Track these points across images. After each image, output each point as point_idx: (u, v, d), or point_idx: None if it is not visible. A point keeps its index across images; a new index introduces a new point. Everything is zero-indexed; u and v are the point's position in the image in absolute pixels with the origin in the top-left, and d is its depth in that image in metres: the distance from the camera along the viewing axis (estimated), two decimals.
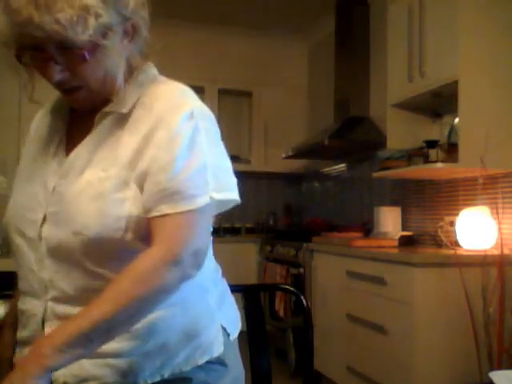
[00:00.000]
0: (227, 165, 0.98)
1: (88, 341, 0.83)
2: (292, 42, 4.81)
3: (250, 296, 1.41)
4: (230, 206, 1.00)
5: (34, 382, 0.79)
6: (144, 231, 0.92)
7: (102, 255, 0.90)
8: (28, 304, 0.97)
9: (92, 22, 0.85)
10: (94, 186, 0.91)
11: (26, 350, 0.96)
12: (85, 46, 0.87)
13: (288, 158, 4.31)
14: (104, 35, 0.89)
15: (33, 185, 0.99)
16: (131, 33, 0.95)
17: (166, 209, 0.89)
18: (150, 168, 0.91)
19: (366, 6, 3.84)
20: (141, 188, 0.91)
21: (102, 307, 0.84)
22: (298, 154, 4.15)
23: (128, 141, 0.93)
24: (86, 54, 0.88)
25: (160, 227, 0.90)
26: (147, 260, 0.87)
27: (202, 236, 0.93)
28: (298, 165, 4.67)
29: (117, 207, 0.89)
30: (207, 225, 0.95)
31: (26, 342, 0.98)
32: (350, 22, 3.83)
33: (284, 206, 4.96)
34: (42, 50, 0.88)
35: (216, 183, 0.93)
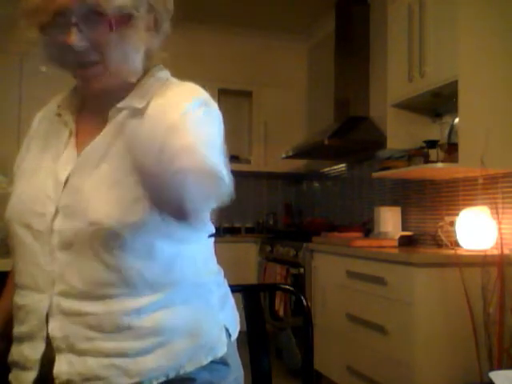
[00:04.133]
0: (222, 150, 0.95)
1: None
2: (292, 42, 4.81)
3: (249, 296, 1.41)
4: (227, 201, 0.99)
5: None
6: (163, 223, 0.89)
7: (118, 246, 0.89)
8: (28, 299, 0.96)
9: None
10: (110, 176, 0.91)
11: (25, 346, 0.96)
12: (113, 16, 0.89)
13: (288, 157, 4.31)
14: (133, 14, 0.91)
15: (39, 177, 0.98)
16: (154, 25, 0.97)
17: None
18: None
19: (366, 6, 3.84)
20: None
21: None
22: (298, 153, 4.15)
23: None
24: (113, 24, 0.89)
25: None
26: None
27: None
28: (298, 165, 4.67)
29: (132, 190, 0.88)
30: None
31: (24, 338, 0.97)
32: (349, 21, 3.83)
33: (284, 206, 4.96)
34: (65, 16, 0.89)
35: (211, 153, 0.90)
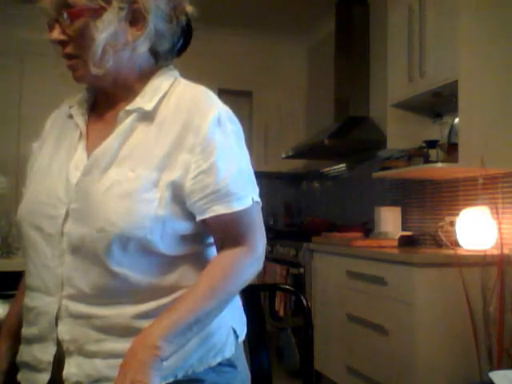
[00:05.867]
0: (250, 167, 1.02)
1: (189, 330, 0.89)
2: (292, 42, 4.80)
3: (250, 296, 1.41)
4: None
5: (153, 372, 0.83)
6: (169, 232, 0.93)
7: (123, 254, 0.90)
8: (38, 301, 0.96)
9: None
10: (122, 185, 0.91)
11: (35, 347, 0.96)
12: (77, 7, 0.91)
13: (288, 158, 4.30)
14: (101, 7, 0.92)
15: (50, 179, 0.98)
16: (137, 19, 0.96)
17: (221, 209, 0.93)
18: (186, 174, 0.92)
19: (365, 6, 3.83)
20: (173, 192, 0.93)
21: (202, 299, 0.91)
22: (298, 153, 4.14)
23: (157, 142, 0.94)
24: (77, 15, 0.92)
25: (222, 227, 0.96)
26: (235, 258, 0.97)
27: (264, 230, 1.02)
28: (298, 165, 4.67)
29: (144, 207, 0.90)
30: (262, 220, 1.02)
31: (34, 340, 0.97)
32: (349, 22, 3.83)
33: (284, 206, 4.96)
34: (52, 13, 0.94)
35: (252, 185, 1.00)
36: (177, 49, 1.07)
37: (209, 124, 0.94)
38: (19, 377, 0.99)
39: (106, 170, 0.94)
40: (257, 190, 1.00)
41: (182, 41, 1.07)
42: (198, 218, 0.94)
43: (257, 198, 0.99)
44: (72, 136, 1.02)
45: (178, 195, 0.93)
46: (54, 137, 1.06)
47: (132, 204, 0.90)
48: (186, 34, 1.07)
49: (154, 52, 1.02)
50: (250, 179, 1.00)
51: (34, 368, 0.96)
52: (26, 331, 0.99)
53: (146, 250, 0.91)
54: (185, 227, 0.95)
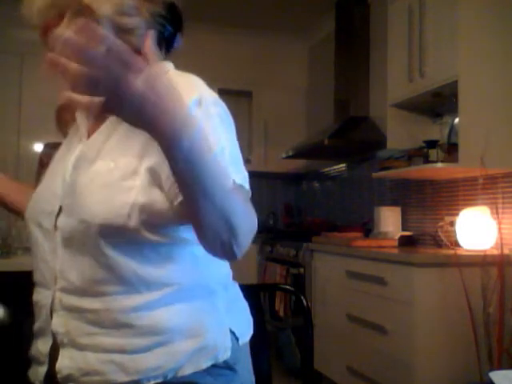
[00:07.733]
0: (237, 150, 0.93)
1: (203, 158, 0.75)
2: (292, 42, 4.80)
3: (249, 296, 1.41)
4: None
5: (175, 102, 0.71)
6: (151, 220, 0.91)
7: (110, 244, 0.91)
8: (40, 295, 1.00)
9: None
10: (103, 176, 0.92)
11: (39, 341, 0.99)
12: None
13: (288, 158, 4.30)
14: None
15: (54, 178, 1.02)
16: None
17: None
18: (164, 159, 0.86)
19: (366, 6, 3.84)
20: (152, 178, 0.90)
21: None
22: (298, 153, 4.15)
23: (139, 131, 0.93)
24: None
25: None
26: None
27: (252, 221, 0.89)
28: (298, 165, 4.67)
29: (123, 195, 0.90)
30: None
31: (39, 333, 1.00)
32: (350, 21, 3.83)
33: (284, 206, 4.96)
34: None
35: (236, 168, 0.88)
36: (169, 42, 1.06)
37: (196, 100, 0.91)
38: (29, 372, 1.02)
39: (93, 163, 0.95)
40: (242, 173, 0.89)
41: (170, 31, 1.04)
42: (175, 202, 0.87)
43: (240, 182, 0.86)
44: (76, 138, 1.05)
45: (156, 181, 0.91)
46: (66, 141, 1.11)
47: (111, 193, 0.90)
48: (175, 26, 1.05)
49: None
50: (235, 162, 0.88)
51: (37, 361, 1.00)
52: (35, 326, 1.02)
53: (131, 239, 0.91)
54: (167, 215, 0.92)
